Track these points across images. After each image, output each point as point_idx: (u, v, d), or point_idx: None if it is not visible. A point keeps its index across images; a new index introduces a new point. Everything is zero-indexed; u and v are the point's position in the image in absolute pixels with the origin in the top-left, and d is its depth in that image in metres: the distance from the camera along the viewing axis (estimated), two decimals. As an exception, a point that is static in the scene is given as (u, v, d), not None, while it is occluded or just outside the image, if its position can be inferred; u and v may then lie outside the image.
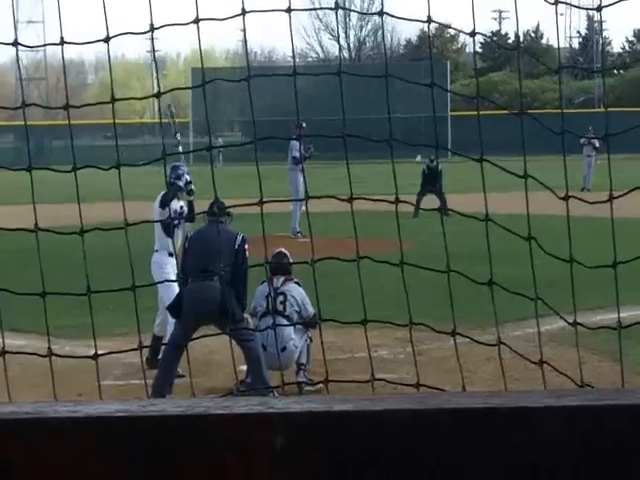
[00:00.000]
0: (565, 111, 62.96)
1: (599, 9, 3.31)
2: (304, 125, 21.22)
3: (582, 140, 37.05)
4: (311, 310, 11.14)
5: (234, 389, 10.10)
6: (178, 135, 15.54)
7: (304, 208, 23.04)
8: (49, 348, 3.06)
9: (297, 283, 11.40)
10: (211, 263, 10.42)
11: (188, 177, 12.73)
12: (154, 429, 1.48)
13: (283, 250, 11.75)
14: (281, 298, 11.23)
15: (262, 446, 1.46)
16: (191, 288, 10.55)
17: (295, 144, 24.70)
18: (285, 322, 11.10)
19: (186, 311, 10.37)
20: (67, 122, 3.68)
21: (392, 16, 3.49)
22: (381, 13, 3.36)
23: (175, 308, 10.63)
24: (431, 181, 29.56)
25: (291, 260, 11.58)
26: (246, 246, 10.72)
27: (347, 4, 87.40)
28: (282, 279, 11.33)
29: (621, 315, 3.54)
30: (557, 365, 3.42)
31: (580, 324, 3.38)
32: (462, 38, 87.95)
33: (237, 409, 1.49)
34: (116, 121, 4.38)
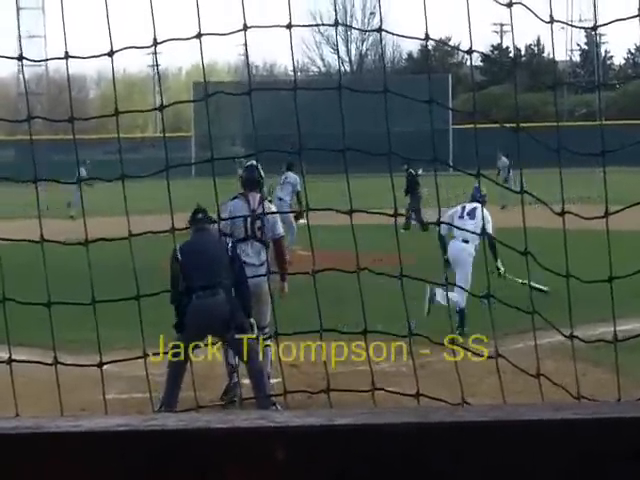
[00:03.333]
0: (564, 124, 63.01)
1: (594, 28, 3.33)
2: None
3: None
4: (279, 231, 11.48)
5: (236, 398, 10.16)
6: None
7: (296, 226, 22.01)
8: (55, 357, 3.06)
9: (270, 201, 11.84)
10: (212, 276, 10.33)
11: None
12: (156, 443, 1.47)
13: (254, 163, 11.77)
14: (259, 223, 11.40)
15: (263, 460, 1.46)
16: (197, 306, 10.36)
17: (296, 178, 23.53)
18: (260, 246, 11.35)
19: (191, 327, 10.28)
20: (68, 137, 3.70)
21: (390, 33, 3.51)
22: (379, 30, 3.38)
23: (178, 323, 10.56)
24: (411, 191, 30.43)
25: (262, 174, 11.68)
26: (238, 251, 10.67)
27: (348, 17, 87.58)
28: (257, 198, 11.47)
29: (624, 328, 3.56)
30: (558, 378, 3.43)
31: (576, 337, 3.39)
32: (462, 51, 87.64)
33: (238, 423, 1.49)
34: (119, 136, 4.41)
